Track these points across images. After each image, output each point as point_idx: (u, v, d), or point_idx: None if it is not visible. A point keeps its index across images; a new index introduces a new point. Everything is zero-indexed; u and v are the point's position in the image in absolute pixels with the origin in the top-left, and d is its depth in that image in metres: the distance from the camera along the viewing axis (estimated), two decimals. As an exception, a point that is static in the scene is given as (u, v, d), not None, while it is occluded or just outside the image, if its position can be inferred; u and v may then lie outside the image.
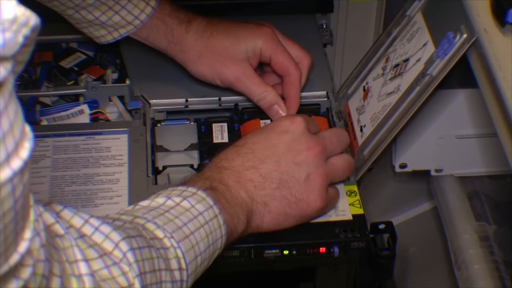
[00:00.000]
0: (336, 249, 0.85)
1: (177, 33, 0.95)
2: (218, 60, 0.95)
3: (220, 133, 0.95)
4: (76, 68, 1.02)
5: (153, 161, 0.92)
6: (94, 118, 0.98)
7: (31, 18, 0.45)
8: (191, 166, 0.93)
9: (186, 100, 0.98)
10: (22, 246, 0.51)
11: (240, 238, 0.80)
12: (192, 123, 0.98)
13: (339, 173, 0.86)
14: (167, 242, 0.70)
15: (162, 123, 0.97)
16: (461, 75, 0.85)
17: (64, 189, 0.88)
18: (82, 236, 0.63)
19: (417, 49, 0.88)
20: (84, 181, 0.89)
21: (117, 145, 0.93)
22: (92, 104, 0.99)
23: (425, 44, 0.87)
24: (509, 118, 0.70)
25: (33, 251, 0.53)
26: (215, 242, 0.75)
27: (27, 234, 0.51)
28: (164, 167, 0.92)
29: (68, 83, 1.01)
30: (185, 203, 0.74)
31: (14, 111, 0.46)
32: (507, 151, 0.73)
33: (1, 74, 0.44)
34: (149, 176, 0.90)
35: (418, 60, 0.87)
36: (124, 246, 0.64)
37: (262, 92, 0.95)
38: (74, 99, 1.00)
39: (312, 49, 1.05)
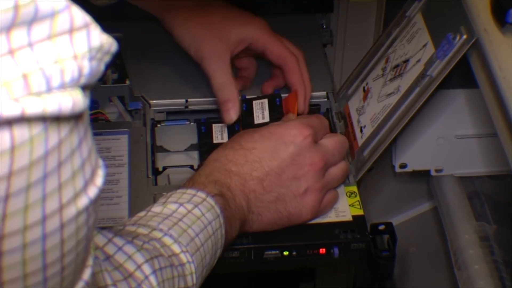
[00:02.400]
0: (336, 250, 0.85)
1: None
2: (200, 32, 0.93)
3: (220, 134, 0.95)
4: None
5: (153, 162, 0.92)
6: (94, 119, 0.98)
7: (113, 45, 0.45)
8: (191, 166, 0.93)
9: (186, 101, 0.98)
10: (86, 273, 0.52)
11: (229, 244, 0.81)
12: (192, 123, 0.98)
13: (334, 182, 0.87)
14: (183, 258, 0.71)
15: (162, 124, 0.97)
16: (461, 75, 0.85)
17: (64, 190, 0.88)
18: (107, 257, 0.63)
19: (417, 50, 0.88)
20: (84, 182, 0.89)
21: (117, 145, 0.93)
22: (92, 105, 0.99)
23: (425, 45, 0.87)
24: (509, 118, 0.70)
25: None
26: (216, 252, 0.76)
27: (90, 261, 0.52)
28: (164, 168, 0.92)
29: (68, 84, 1.01)
30: (196, 211, 0.75)
31: (91, 138, 0.46)
32: (507, 151, 0.73)
33: (85, 103, 0.43)
34: (149, 176, 0.90)
35: (418, 61, 0.87)
36: (147, 269, 0.65)
37: (224, 82, 0.93)
38: (74, 99, 0.99)
39: (312, 49, 1.05)
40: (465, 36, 0.80)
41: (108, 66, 1.01)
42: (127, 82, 1.00)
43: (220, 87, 0.93)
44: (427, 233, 1.12)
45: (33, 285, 0.46)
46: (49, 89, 0.41)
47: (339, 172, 0.87)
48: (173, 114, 0.99)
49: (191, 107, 0.99)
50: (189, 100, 0.98)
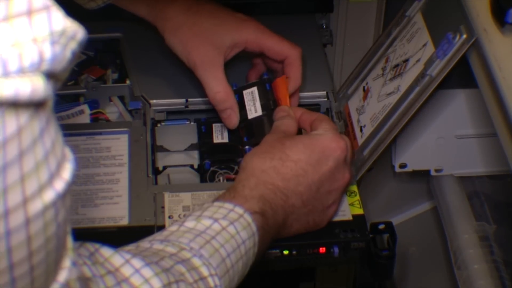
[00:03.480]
0: (336, 249, 0.85)
1: (162, 1, 0.93)
2: (192, 39, 0.92)
3: (220, 133, 0.95)
4: (76, 68, 1.02)
5: (153, 161, 0.92)
6: (94, 118, 0.98)
7: (79, 32, 0.43)
8: (191, 166, 0.93)
9: (186, 100, 0.98)
10: (62, 276, 0.50)
11: None
12: (192, 123, 0.98)
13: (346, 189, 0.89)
14: (210, 282, 0.69)
15: (162, 123, 0.97)
16: (461, 75, 0.85)
17: (64, 189, 0.88)
18: (125, 279, 0.61)
19: (417, 49, 0.88)
20: (84, 181, 0.89)
21: (117, 145, 0.93)
22: (92, 104, 0.99)
23: (424, 45, 0.87)
24: (509, 118, 0.70)
25: (70, 282, 0.51)
26: (245, 270, 0.75)
27: (66, 263, 0.50)
28: (164, 167, 0.92)
29: (68, 83, 1.01)
30: (231, 229, 0.73)
31: (55, 130, 0.45)
32: (507, 151, 0.73)
33: (48, 91, 0.41)
34: (149, 176, 0.90)
35: (418, 61, 0.87)
36: None
37: (220, 91, 0.92)
38: (74, 99, 1.00)
39: (312, 49, 1.05)
40: (465, 36, 0.80)
41: (106, 63, 1.01)
42: (127, 82, 1.00)
43: (216, 96, 0.92)
44: (427, 233, 1.12)
45: (1, 286, 0.44)
46: (5, 73, 0.39)
47: (349, 180, 0.87)
48: (173, 114, 0.99)
49: (191, 107, 0.99)
50: (189, 100, 0.98)
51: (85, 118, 0.98)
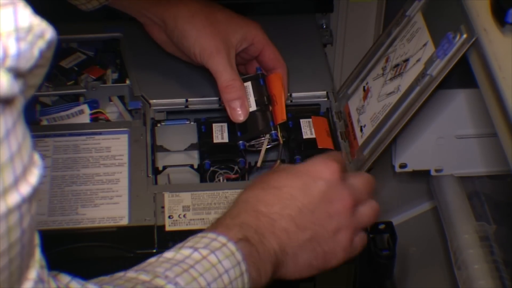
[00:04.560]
0: (336, 249, 0.84)
1: None
2: (208, 27, 0.92)
3: (220, 133, 0.95)
4: (76, 68, 1.02)
5: (153, 161, 0.92)
6: (94, 118, 0.98)
7: (47, 31, 0.43)
8: (191, 166, 0.93)
9: (186, 100, 0.98)
10: (26, 286, 0.48)
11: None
12: (192, 123, 0.98)
13: (365, 222, 0.82)
14: None
15: (162, 123, 0.97)
16: (461, 75, 0.85)
17: (64, 189, 0.88)
18: None
19: (417, 49, 0.88)
20: (84, 181, 0.89)
21: (117, 145, 0.93)
22: (92, 104, 0.99)
23: (425, 44, 0.87)
24: (509, 118, 0.70)
25: None
26: None
27: (32, 274, 0.49)
28: (164, 167, 0.92)
29: (68, 83, 1.01)
30: (212, 258, 0.68)
31: (22, 133, 0.44)
32: (507, 151, 0.73)
33: (13, 88, 0.41)
34: (149, 176, 0.90)
35: (418, 60, 0.87)
36: None
37: (232, 80, 0.92)
38: (74, 99, 1.00)
39: (312, 49, 1.05)
40: (465, 36, 0.80)
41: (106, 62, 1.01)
42: (127, 82, 1.00)
43: (228, 84, 0.92)
44: (427, 233, 1.12)
45: None
46: None
47: (369, 211, 0.82)
48: (173, 114, 0.99)
49: (191, 107, 0.99)
50: (189, 99, 0.98)
51: (85, 118, 0.98)
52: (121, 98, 1.00)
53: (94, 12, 0.96)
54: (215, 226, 0.74)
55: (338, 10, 1.12)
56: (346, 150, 0.94)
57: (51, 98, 0.99)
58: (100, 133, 0.94)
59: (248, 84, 0.95)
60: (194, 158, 0.94)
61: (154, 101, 0.98)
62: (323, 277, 1.16)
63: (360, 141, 0.92)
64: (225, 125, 0.96)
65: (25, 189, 0.44)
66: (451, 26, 0.82)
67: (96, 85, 1.00)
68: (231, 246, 0.70)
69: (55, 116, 0.97)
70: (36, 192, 0.45)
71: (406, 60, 0.89)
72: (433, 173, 0.99)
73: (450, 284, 1.04)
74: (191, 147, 0.95)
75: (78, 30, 1.04)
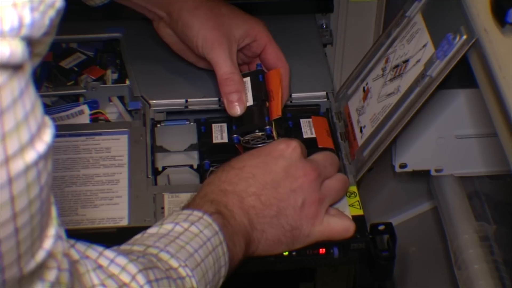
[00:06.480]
0: (336, 250, 0.85)
1: None
2: (212, 19, 0.93)
3: (220, 134, 0.95)
4: (76, 69, 1.02)
5: (153, 162, 0.92)
6: (94, 119, 0.98)
7: (57, 0, 0.45)
8: (191, 166, 0.93)
9: (186, 101, 0.98)
10: (47, 243, 0.50)
11: (239, 264, 0.79)
12: (191, 123, 0.98)
13: (333, 195, 0.85)
14: (182, 272, 0.69)
15: (162, 124, 0.97)
16: (461, 75, 0.85)
17: (64, 190, 0.88)
18: (99, 266, 0.62)
19: (417, 50, 0.88)
20: (84, 182, 0.89)
21: (117, 145, 0.93)
22: (92, 105, 0.99)
23: (424, 45, 0.87)
24: (509, 118, 0.70)
25: (56, 254, 0.52)
26: (220, 269, 0.74)
27: (51, 231, 0.51)
28: (164, 168, 0.92)
29: (68, 84, 1.01)
30: (193, 228, 0.73)
31: (34, 94, 0.46)
32: (507, 151, 0.73)
33: (24, 54, 0.43)
34: (149, 176, 0.90)
35: (418, 61, 0.87)
36: (141, 278, 0.63)
37: (231, 73, 0.92)
38: (74, 99, 1.00)
39: (312, 49, 1.05)
40: (465, 36, 0.80)
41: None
42: (127, 82, 1.00)
43: (227, 77, 0.92)
44: (427, 233, 1.12)
45: None
46: None
47: (336, 184, 0.85)
48: (173, 114, 0.99)
49: (191, 107, 0.99)
50: (189, 100, 0.98)
51: (85, 119, 0.98)
52: (121, 98, 1.00)
53: (94, 12, 0.96)
54: (187, 206, 0.78)
55: (338, 10, 1.12)
56: (345, 150, 0.94)
57: (51, 98, 0.99)
58: (100, 134, 0.94)
59: (247, 80, 0.95)
60: (193, 158, 0.94)
61: (154, 101, 0.98)
62: (323, 277, 1.17)
63: (360, 141, 0.92)
64: (224, 125, 0.96)
65: (40, 146, 0.46)
66: (451, 27, 0.82)
67: (96, 85, 1.00)
68: (207, 218, 0.75)
69: (55, 116, 0.97)
70: (50, 150, 0.47)
71: (406, 61, 0.89)
72: (433, 173, 0.99)
73: (450, 284, 1.04)
74: (191, 147, 0.95)
75: (78, 30, 1.04)
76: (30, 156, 0.45)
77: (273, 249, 0.82)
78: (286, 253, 0.84)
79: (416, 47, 0.88)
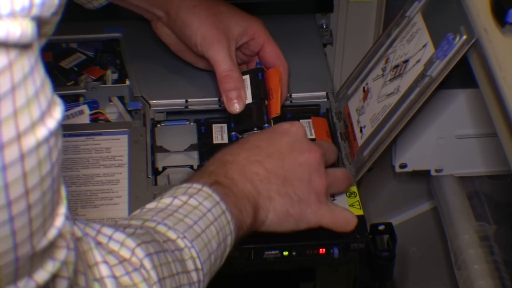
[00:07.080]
0: (336, 250, 0.85)
1: None
2: (210, 17, 0.93)
3: (220, 134, 0.95)
4: (76, 69, 1.02)
5: (153, 162, 0.92)
6: (94, 119, 0.98)
7: None
8: (191, 166, 0.93)
9: (186, 101, 0.98)
10: (58, 221, 0.51)
11: (249, 232, 0.78)
12: (192, 123, 0.98)
13: (339, 183, 0.85)
14: (180, 243, 0.69)
15: (162, 124, 0.97)
16: (461, 75, 0.85)
17: (64, 190, 0.88)
18: (99, 243, 0.62)
19: (417, 50, 0.88)
20: (84, 182, 0.89)
21: (117, 145, 0.93)
22: (92, 105, 0.99)
23: (424, 45, 0.87)
24: (509, 118, 0.70)
25: (65, 234, 0.53)
26: (225, 239, 0.74)
27: (62, 209, 0.52)
28: (164, 168, 0.92)
29: (68, 84, 1.01)
30: (192, 201, 0.73)
31: (43, 72, 0.47)
32: (507, 151, 0.73)
33: (34, 34, 0.44)
34: (149, 176, 0.90)
35: (418, 61, 0.87)
36: (140, 252, 0.63)
37: (230, 71, 0.92)
38: (74, 99, 1.00)
39: (312, 49, 1.05)
40: (465, 36, 0.80)
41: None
42: (127, 82, 1.00)
43: (227, 74, 0.92)
44: (427, 233, 1.12)
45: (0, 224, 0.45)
46: None
47: (340, 174, 0.86)
48: (173, 114, 0.99)
49: (191, 107, 0.99)
50: (189, 100, 0.98)
51: (85, 119, 0.98)
52: (121, 98, 1.00)
53: (94, 12, 0.96)
54: (187, 180, 0.78)
55: (338, 10, 1.12)
56: (345, 150, 0.94)
57: (51, 98, 0.99)
58: (100, 134, 0.94)
59: (247, 77, 0.95)
60: (194, 158, 0.94)
61: (154, 101, 0.98)
62: (323, 277, 1.17)
63: (360, 142, 0.92)
64: (225, 125, 0.96)
65: (51, 123, 0.47)
66: (451, 27, 0.82)
67: (96, 85, 1.00)
68: (207, 189, 0.74)
69: (55, 116, 0.97)
70: (60, 127, 0.48)
71: (406, 61, 0.89)
72: (433, 173, 1.00)
73: (450, 284, 1.04)
74: (191, 147, 0.95)
75: (78, 30, 1.04)
76: (42, 132, 0.46)
77: (282, 222, 0.80)
78: (286, 253, 0.84)
79: (416, 47, 0.88)
